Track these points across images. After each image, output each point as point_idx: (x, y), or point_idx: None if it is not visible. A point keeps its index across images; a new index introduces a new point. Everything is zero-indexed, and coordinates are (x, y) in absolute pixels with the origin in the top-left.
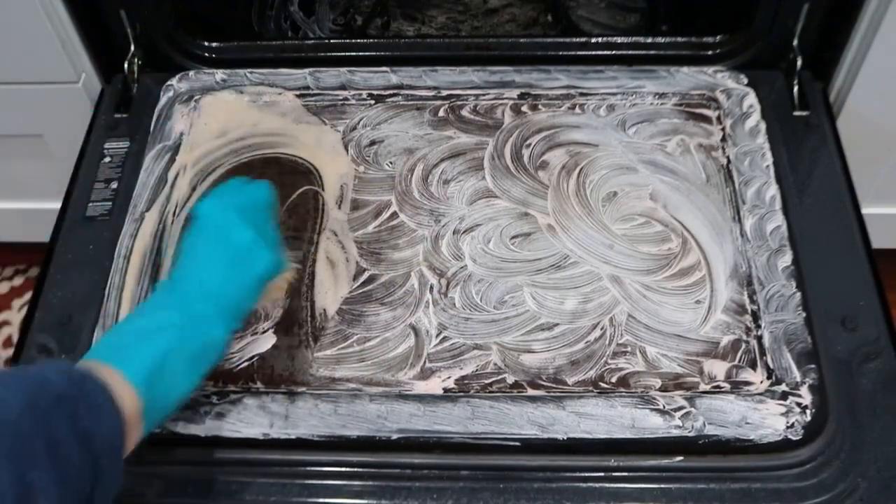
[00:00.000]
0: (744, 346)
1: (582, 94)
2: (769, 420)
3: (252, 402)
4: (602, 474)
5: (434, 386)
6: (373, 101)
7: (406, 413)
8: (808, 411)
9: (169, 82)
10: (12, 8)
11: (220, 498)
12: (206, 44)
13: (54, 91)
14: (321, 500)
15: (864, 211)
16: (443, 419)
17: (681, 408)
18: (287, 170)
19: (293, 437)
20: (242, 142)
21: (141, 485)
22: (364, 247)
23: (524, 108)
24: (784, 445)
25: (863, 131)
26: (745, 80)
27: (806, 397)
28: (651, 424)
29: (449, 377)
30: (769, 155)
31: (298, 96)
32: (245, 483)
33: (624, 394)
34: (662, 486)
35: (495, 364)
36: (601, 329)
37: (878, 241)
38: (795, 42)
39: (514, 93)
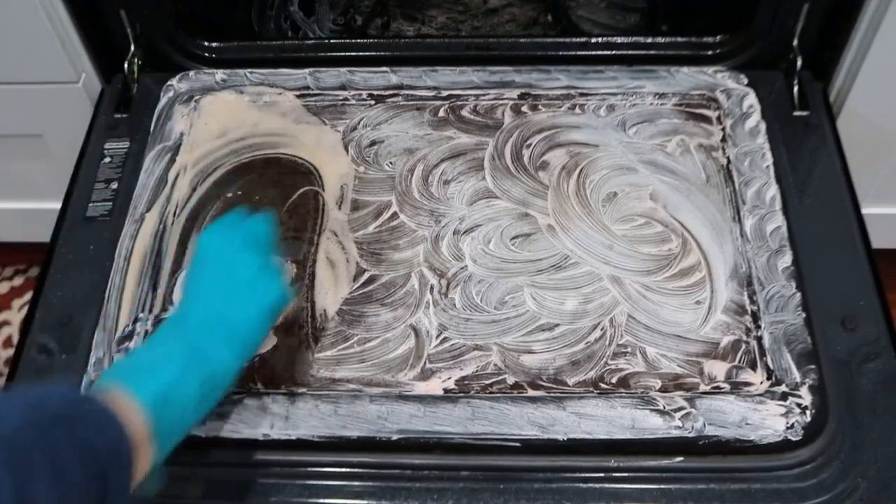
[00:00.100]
0: (744, 346)
1: (582, 95)
2: (769, 421)
3: (252, 402)
4: (602, 475)
5: (434, 386)
6: (373, 102)
7: (406, 414)
8: (808, 412)
9: (169, 82)
10: (12, 8)
11: (220, 498)
12: (206, 44)
13: (54, 91)
14: (321, 500)
15: (864, 211)
16: (443, 420)
17: (681, 408)
18: (287, 170)
19: (293, 437)
20: (242, 142)
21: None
22: (364, 247)
23: (524, 109)
24: (784, 446)
25: (863, 131)
26: (745, 80)
27: (806, 398)
28: (651, 425)
29: (449, 378)
30: (769, 155)
31: (298, 96)
32: (245, 484)
33: (624, 394)
34: (662, 486)
35: (495, 365)
36: (601, 330)
37: (878, 241)
38: (795, 42)
39: (514, 93)
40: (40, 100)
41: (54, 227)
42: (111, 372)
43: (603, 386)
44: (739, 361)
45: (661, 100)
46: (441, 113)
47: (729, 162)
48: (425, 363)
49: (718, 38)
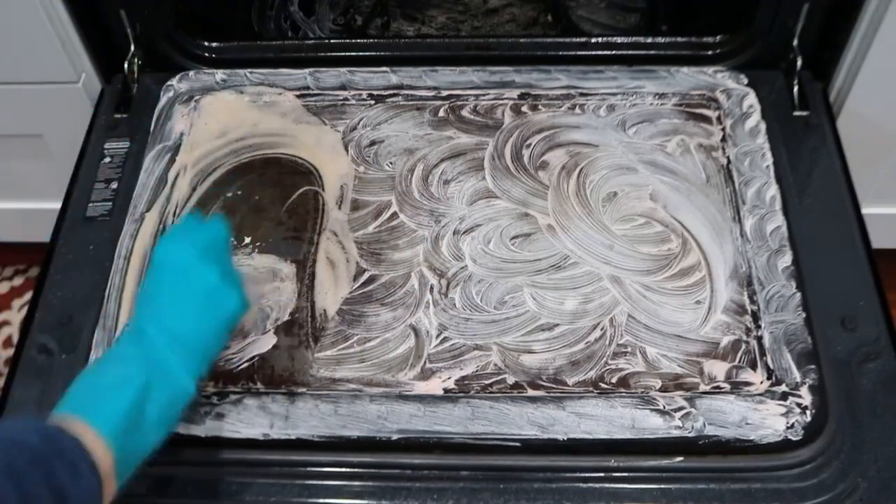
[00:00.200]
0: (744, 346)
1: (582, 95)
2: (769, 420)
3: (252, 402)
4: (602, 475)
5: (434, 386)
6: (373, 102)
7: (406, 413)
8: (808, 412)
9: (169, 82)
10: (12, 8)
11: (220, 498)
12: (206, 44)
13: (54, 91)
14: (321, 500)
15: (864, 211)
16: (443, 420)
17: (681, 408)
18: (287, 170)
19: (293, 437)
20: (242, 142)
21: (140, 485)
22: (364, 247)
23: (524, 109)
24: (784, 446)
25: (863, 131)
26: (745, 80)
27: (806, 398)
28: (651, 425)
29: (449, 377)
30: (769, 155)
31: (298, 96)
32: (245, 483)
33: (624, 394)
34: (662, 486)
35: (495, 364)
36: (601, 329)
37: (878, 241)
38: (795, 42)
39: (514, 93)
40: (40, 100)
41: (54, 227)
42: (72, 396)
43: (603, 386)
44: (739, 361)
45: (661, 100)
46: (441, 113)
47: (729, 162)
48: (425, 363)
49: (718, 38)
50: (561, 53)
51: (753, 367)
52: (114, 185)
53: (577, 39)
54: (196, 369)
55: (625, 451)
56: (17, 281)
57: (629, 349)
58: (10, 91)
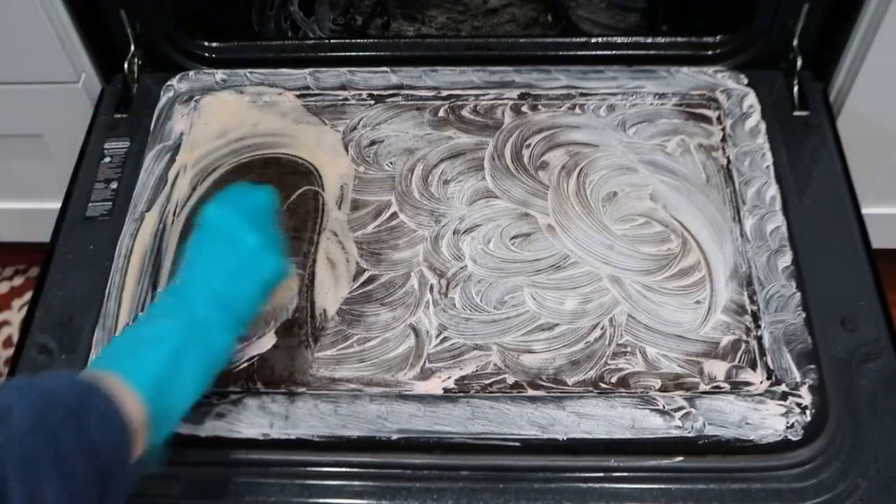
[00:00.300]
0: (744, 346)
1: (582, 95)
2: (769, 420)
3: (252, 402)
4: (602, 475)
5: (434, 386)
6: (373, 102)
7: (406, 413)
8: (807, 412)
9: (169, 82)
10: (12, 8)
11: (220, 498)
12: (206, 44)
13: (54, 91)
14: (321, 500)
15: (864, 211)
16: (443, 419)
17: (681, 408)
18: (287, 170)
19: (293, 437)
20: (242, 142)
21: (141, 485)
22: (364, 247)
23: (524, 109)
24: (784, 446)
25: (863, 131)
26: (745, 80)
27: (806, 398)
28: (651, 425)
29: (449, 377)
30: (769, 155)
31: (298, 96)
32: (245, 483)
33: (624, 394)
34: (662, 486)
35: (495, 364)
36: (601, 329)
37: (878, 241)
38: (795, 42)
39: (514, 93)
40: (40, 100)
41: (54, 227)
42: (111, 350)
43: (603, 386)
44: (739, 361)
45: (661, 100)
46: (441, 113)
47: (729, 162)
48: (425, 363)
49: (718, 38)
50: (561, 53)
51: (753, 367)
52: (114, 185)
53: (577, 39)
54: (233, 328)
55: (625, 451)
56: (17, 281)
57: (629, 349)
58: (10, 91)
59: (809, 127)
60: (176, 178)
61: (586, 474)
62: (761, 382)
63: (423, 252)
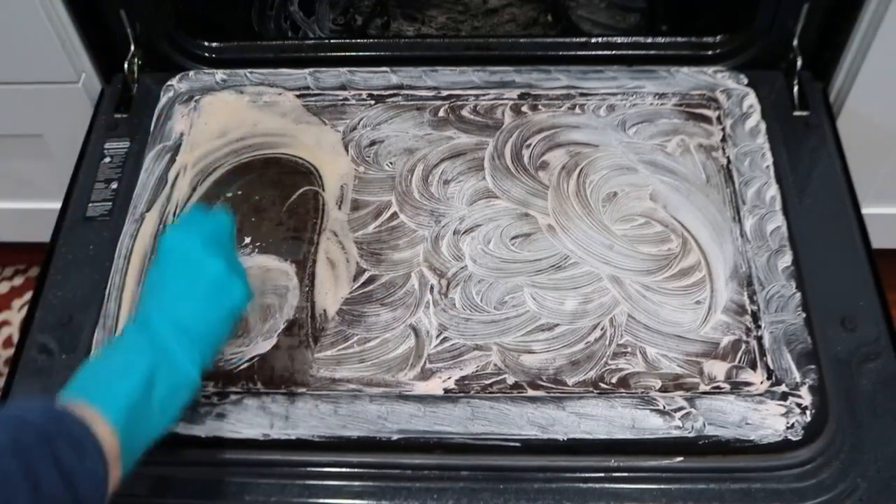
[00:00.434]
0: (744, 346)
1: (582, 95)
2: (769, 420)
3: (252, 402)
4: (602, 475)
5: (434, 386)
6: (373, 102)
7: (406, 414)
8: (808, 412)
9: (169, 82)
10: (12, 8)
11: (220, 498)
12: (206, 44)
13: (54, 91)
14: (321, 500)
15: (864, 211)
16: (443, 420)
17: (681, 408)
18: (287, 170)
19: (293, 437)
20: (242, 142)
21: (141, 485)
22: (364, 247)
23: (524, 109)
24: (784, 446)
25: (863, 131)
26: (745, 80)
27: (806, 398)
28: (651, 425)
29: (449, 378)
30: (769, 155)
31: (298, 96)
32: (245, 483)
33: (624, 394)
34: (662, 486)
35: (495, 365)
36: (601, 329)
37: (878, 241)
38: (795, 42)
39: (514, 93)
40: (40, 100)
41: (54, 227)
42: (79, 382)
43: (603, 386)
44: (739, 361)
45: (661, 100)
46: (441, 113)
47: (729, 162)
48: (425, 363)
49: (718, 38)
50: (561, 53)
51: (753, 367)
52: (114, 185)
53: (577, 39)
54: (201, 359)
55: (625, 451)
56: (17, 281)
57: (629, 349)
58: (10, 91)
59: (809, 127)
60: (176, 178)
61: (586, 474)
62: (761, 382)
63: (423, 252)
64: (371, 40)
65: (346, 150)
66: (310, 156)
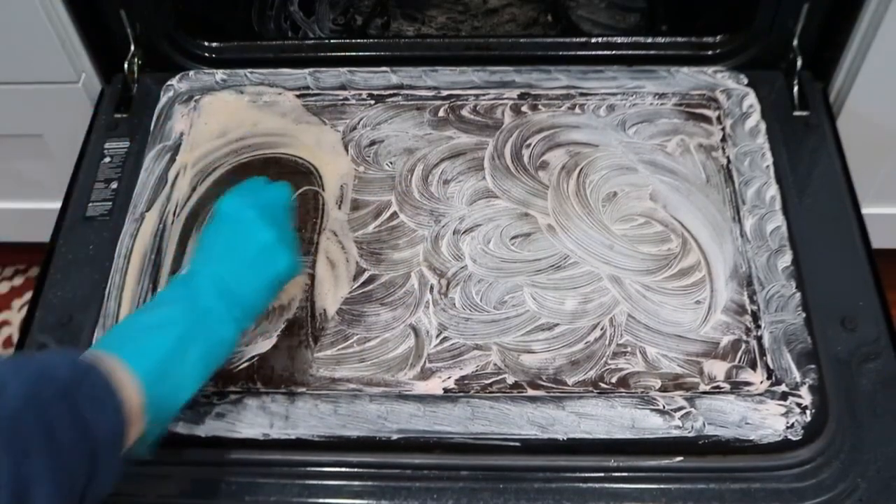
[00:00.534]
0: (744, 346)
1: (582, 94)
2: (769, 420)
3: (252, 402)
4: (602, 475)
5: (434, 386)
6: (373, 101)
7: (406, 413)
8: (807, 412)
9: (169, 82)
10: (12, 8)
11: (220, 498)
12: (206, 44)
13: (54, 91)
14: (321, 500)
15: (864, 211)
16: (443, 419)
17: (681, 408)
18: (287, 170)
19: (293, 437)
20: (242, 142)
21: (141, 485)
22: (364, 247)
23: (524, 108)
24: (784, 446)
25: (863, 131)
26: (745, 80)
27: (806, 398)
28: (651, 425)
29: (449, 377)
30: (769, 155)
31: (298, 96)
32: (245, 483)
33: (624, 394)
34: (662, 486)
35: (495, 364)
36: (601, 329)
37: (878, 241)
38: (795, 42)
39: (514, 93)
40: (40, 100)
41: (54, 227)
42: (115, 333)
43: (603, 386)
44: (739, 361)
45: (661, 100)
46: (441, 113)
47: (729, 162)
48: (425, 363)
49: (718, 38)
50: (561, 53)
51: (753, 367)
52: (114, 185)
53: (577, 39)
54: (239, 321)
55: (625, 451)
56: (17, 281)
57: (629, 349)
58: (10, 91)
59: (809, 127)
60: (176, 178)
61: (586, 474)
62: (761, 382)
63: (423, 252)
64: (371, 40)
65: (346, 150)
66: (310, 156)
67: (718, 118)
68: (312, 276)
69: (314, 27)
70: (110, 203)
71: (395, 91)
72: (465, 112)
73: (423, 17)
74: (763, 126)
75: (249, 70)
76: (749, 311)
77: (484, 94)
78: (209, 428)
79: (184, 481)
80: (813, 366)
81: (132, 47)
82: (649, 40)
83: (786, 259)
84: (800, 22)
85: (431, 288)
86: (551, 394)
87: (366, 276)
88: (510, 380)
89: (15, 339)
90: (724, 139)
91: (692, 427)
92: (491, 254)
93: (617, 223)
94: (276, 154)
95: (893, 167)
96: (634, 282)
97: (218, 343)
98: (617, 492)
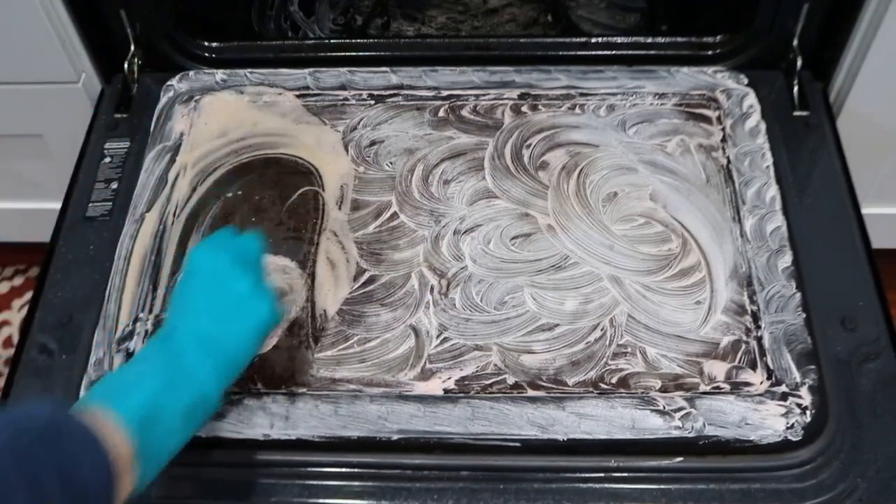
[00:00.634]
0: (744, 346)
1: (582, 95)
2: (769, 421)
3: (252, 402)
4: (602, 475)
5: (434, 387)
6: (373, 102)
7: (406, 414)
8: (807, 412)
9: (169, 82)
10: (12, 8)
11: (219, 498)
12: (206, 44)
13: (54, 91)
14: (321, 500)
15: (864, 211)
16: (443, 420)
17: (681, 408)
18: (287, 170)
19: (293, 437)
20: (242, 142)
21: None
22: (364, 247)
23: (524, 109)
24: (784, 446)
25: (863, 131)
26: (745, 81)
27: (806, 398)
28: (651, 425)
29: (449, 378)
30: (769, 155)
31: (298, 96)
32: (245, 484)
33: (624, 394)
34: (662, 486)
35: (495, 365)
36: (601, 330)
37: (878, 241)
38: (795, 42)
39: (514, 93)
40: (40, 100)
41: (54, 227)
42: (95, 390)
43: (603, 386)
44: (739, 361)
45: (661, 100)
46: (441, 113)
47: (729, 162)
48: (425, 363)
49: (718, 38)
50: (561, 53)
51: (753, 367)
52: (114, 185)
53: (577, 39)
54: (224, 376)
55: (625, 451)
56: (17, 281)
57: (629, 349)
58: (10, 91)
59: (809, 127)
60: (176, 178)
61: (586, 474)
62: (761, 383)
63: (423, 252)
64: (371, 40)
65: (346, 150)
66: (310, 156)
67: (718, 118)
68: (313, 277)
69: (314, 27)
70: (110, 203)
71: (395, 91)
72: (465, 112)
73: (423, 17)
74: (763, 126)
75: (249, 70)
76: (749, 312)
77: (484, 95)
78: (209, 428)
79: (184, 482)
80: (813, 366)
81: (132, 47)
82: (649, 40)
83: (786, 259)
84: (800, 22)
85: (432, 288)
86: (551, 394)
87: (366, 276)
88: (510, 380)
89: (15, 339)
90: (724, 139)
91: (692, 427)
92: (491, 254)
93: (617, 223)
94: (276, 154)
95: (893, 167)
96: (634, 282)
97: (199, 397)
98: (617, 492)
